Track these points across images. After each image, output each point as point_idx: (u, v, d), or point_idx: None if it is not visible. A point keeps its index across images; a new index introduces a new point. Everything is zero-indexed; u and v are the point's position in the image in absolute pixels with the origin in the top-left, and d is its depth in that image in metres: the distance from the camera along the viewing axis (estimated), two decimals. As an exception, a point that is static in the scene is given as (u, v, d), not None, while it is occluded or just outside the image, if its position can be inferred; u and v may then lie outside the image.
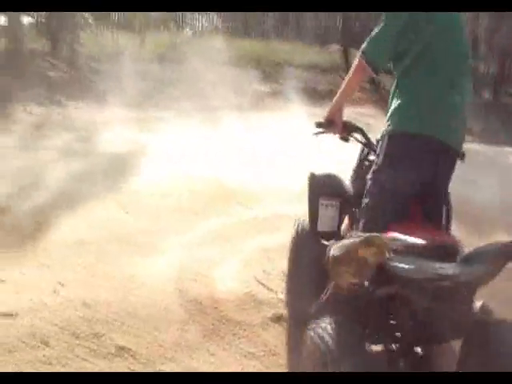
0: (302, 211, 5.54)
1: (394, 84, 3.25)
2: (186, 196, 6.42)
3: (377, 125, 11.97)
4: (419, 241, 2.60)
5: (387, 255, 2.41)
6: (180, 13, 27.20)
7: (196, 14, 29.18)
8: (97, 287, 4.26)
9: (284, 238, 5.04)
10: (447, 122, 3.04)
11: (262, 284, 4.49)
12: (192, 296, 4.23)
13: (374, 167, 3.15)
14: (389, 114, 3.20)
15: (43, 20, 17.05)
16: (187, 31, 26.92)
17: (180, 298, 4.20)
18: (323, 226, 3.57)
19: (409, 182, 3.01)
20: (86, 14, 17.72)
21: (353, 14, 22.05)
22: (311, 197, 3.66)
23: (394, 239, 2.56)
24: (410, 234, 2.64)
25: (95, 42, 17.91)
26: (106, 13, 22.33)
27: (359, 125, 3.71)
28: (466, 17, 3.35)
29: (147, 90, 13.06)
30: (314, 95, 14.71)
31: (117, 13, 23.98)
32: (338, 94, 3.42)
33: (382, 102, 14.57)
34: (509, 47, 17.96)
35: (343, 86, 3.41)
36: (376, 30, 3.14)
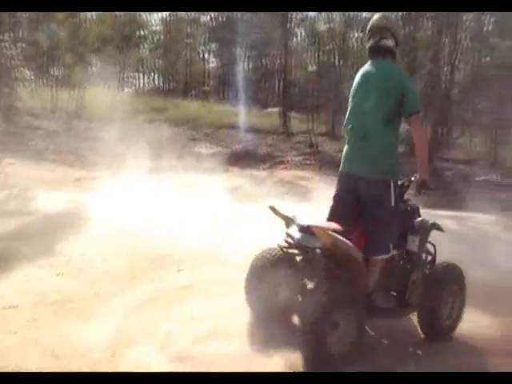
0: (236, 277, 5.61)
1: None
2: (121, 260, 6.30)
3: (310, 186, 12.34)
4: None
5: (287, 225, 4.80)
6: (121, 71, 27.49)
7: (137, 73, 29.56)
8: (28, 354, 4.14)
9: (217, 304, 5.28)
10: (359, 162, 4.79)
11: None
12: (125, 364, 4.16)
13: None
14: None
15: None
16: (127, 90, 27.16)
17: (113, 366, 4.12)
18: None
19: (343, 199, 4.90)
20: (24, 70, 17.57)
21: (292, 78, 22.71)
22: None
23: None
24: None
25: (33, 97, 17.69)
26: (45, 68, 22.26)
27: None
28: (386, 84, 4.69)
29: (84, 148, 13.05)
30: (254, 157, 14.92)
31: (56, 68, 23.91)
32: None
33: (317, 165, 14.95)
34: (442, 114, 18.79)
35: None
36: None
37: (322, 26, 27.51)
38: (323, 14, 26.65)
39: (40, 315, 4.81)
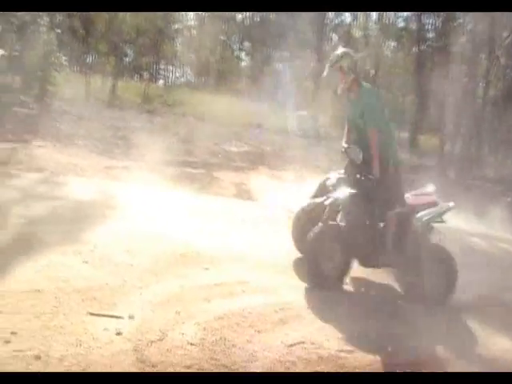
0: (262, 279, 5.59)
1: None
2: (147, 254, 6.25)
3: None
4: None
5: None
6: (154, 63, 27.62)
7: (170, 66, 29.69)
8: (50, 340, 4.12)
9: (242, 303, 5.27)
10: None
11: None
12: (148, 358, 4.12)
13: None
14: None
15: (16, 53, 16.89)
16: (160, 82, 27.26)
17: (135, 360, 4.08)
18: None
19: None
20: (60, 54, 17.62)
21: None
22: None
23: None
24: None
25: (67, 83, 17.75)
26: (80, 55, 22.39)
27: None
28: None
29: (115, 137, 13.05)
30: (283, 159, 14.85)
31: (91, 56, 24.07)
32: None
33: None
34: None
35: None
36: None
37: (357, 33, 27.44)
38: (360, 20, 26.62)
39: (64, 302, 4.79)
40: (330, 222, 6.10)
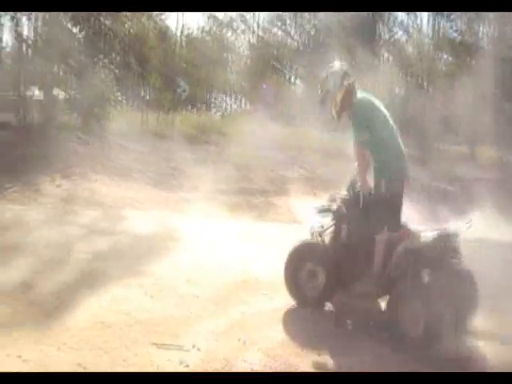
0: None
1: None
2: (208, 283, 6.34)
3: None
4: None
5: None
6: (208, 94, 28.07)
7: (224, 96, 30.20)
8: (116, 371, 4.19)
9: (303, 329, 5.22)
10: None
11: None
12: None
13: None
14: None
15: (77, 95, 17.38)
16: (215, 113, 27.59)
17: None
18: None
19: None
20: (116, 91, 18.05)
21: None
22: None
23: None
24: None
25: (123, 118, 18.13)
26: (137, 91, 22.89)
27: None
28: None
29: (172, 168, 13.22)
30: (336, 182, 14.77)
31: (147, 91, 24.56)
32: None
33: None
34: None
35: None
36: None
37: (410, 49, 27.22)
38: (414, 36, 26.44)
39: (128, 334, 4.86)
40: (306, 240, 5.95)
